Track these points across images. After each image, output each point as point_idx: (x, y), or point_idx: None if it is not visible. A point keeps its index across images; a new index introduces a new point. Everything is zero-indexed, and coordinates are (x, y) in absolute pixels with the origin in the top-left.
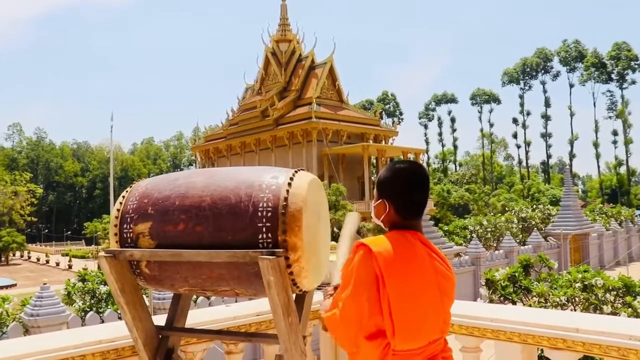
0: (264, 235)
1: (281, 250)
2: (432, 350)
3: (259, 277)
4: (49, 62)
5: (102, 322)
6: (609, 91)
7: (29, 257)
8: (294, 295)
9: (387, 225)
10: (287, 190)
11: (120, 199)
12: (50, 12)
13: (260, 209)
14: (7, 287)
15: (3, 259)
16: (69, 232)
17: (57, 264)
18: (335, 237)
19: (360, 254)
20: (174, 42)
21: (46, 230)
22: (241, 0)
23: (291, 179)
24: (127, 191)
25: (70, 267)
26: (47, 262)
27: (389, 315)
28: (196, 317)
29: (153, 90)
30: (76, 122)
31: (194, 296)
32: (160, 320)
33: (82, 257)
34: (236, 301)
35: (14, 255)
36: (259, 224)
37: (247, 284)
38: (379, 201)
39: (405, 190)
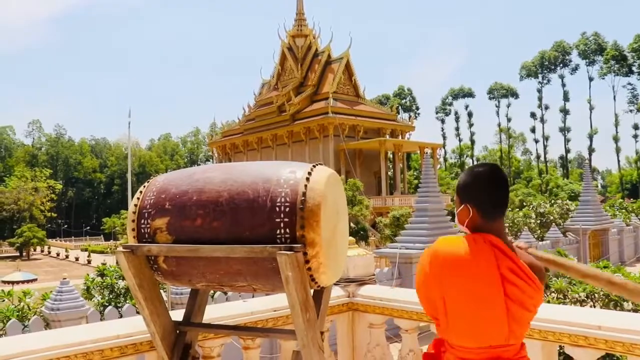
0: (282, 231)
1: (299, 245)
2: (495, 354)
3: (277, 272)
4: (67, 60)
5: (121, 316)
6: (629, 84)
7: (49, 252)
8: (312, 291)
9: (471, 229)
10: (306, 185)
11: (137, 194)
12: (69, 10)
13: (278, 204)
14: (28, 281)
15: (24, 253)
16: (88, 228)
17: (77, 259)
18: (352, 233)
19: (428, 252)
20: (190, 38)
21: (65, 226)
22: None
23: (309, 173)
24: (144, 186)
25: (89, 262)
26: (67, 257)
27: (444, 311)
28: (213, 312)
29: (170, 87)
30: (94, 119)
31: (211, 291)
32: (177, 315)
33: (101, 252)
34: (253, 296)
35: (34, 250)
36: (277, 219)
37: (264, 279)
38: (461, 207)
39: (486, 194)
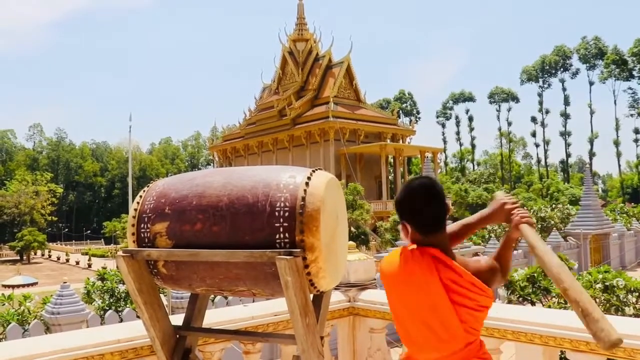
0: (282, 235)
1: (299, 250)
2: (459, 357)
3: (276, 277)
4: (68, 64)
5: (121, 320)
6: (630, 88)
7: (50, 256)
8: (311, 296)
9: (415, 244)
10: (305, 190)
11: (137, 198)
12: (70, 14)
13: (277, 208)
14: (28, 285)
15: (25, 257)
16: (89, 232)
17: (77, 263)
18: (352, 237)
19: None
20: (191, 42)
21: (66, 230)
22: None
23: (309, 178)
24: (144, 191)
25: (89, 266)
26: (67, 260)
27: (398, 324)
28: (214, 317)
29: (171, 91)
30: (95, 123)
31: (212, 296)
32: (178, 319)
33: (102, 256)
34: (253, 301)
35: (35, 254)
36: (276, 224)
37: (264, 284)
38: (399, 225)
39: (419, 210)
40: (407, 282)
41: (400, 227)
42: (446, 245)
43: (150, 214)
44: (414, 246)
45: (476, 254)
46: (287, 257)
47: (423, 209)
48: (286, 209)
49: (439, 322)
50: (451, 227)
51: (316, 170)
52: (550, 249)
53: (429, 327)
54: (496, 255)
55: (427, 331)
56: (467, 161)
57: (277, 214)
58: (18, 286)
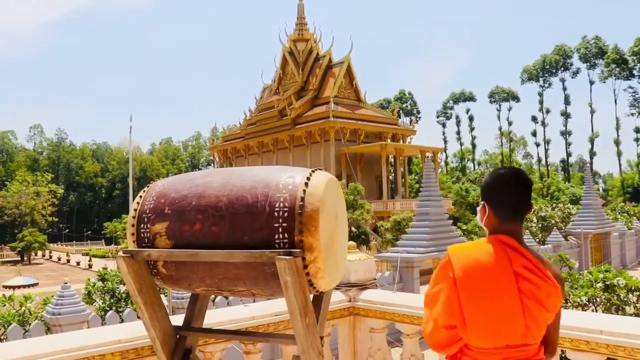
0: (281, 236)
1: (298, 250)
2: (511, 355)
3: (276, 277)
4: (68, 64)
5: (122, 321)
6: (630, 87)
7: (51, 257)
8: (311, 296)
9: (489, 229)
10: (304, 190)
11: (137, 199)
12: (70, 14)
13: (276, 209)
14: (29, 286)
15: (25, 258)
16: (89, 232)
17: (78, 264)
18: (353, 237)
19: (443, 260)
20: (191, 42)
21: (67, 230)
22: (259, 0)
23: (308, 178)
24: (144, 191)
25: (90, 266)
26: (68, 261)
27: (460, 313)
28: (214, 317)
29: (171, 91)
30: (96, 124)
31: (212, 296)
32: (179, 320)
33: (102, 256)
34: (254, 301)
35: (35, 254)
36: (276, 224)
37: (263, 284)
38: (480, 205)
39: (504, 196)
40: (483, 269)
41: (479, 208)
42: (520, 235)
43: (150, 214)
44: (484, 239)
45: None
46: (287, 257)
47: (511, 195)
48: (285, 209)
49: (504, 309)
50: None
51: (315, 170)
52: None
53: (491, 313)
54: None
55: (488, 318)
56: (467, 161)
57: (276, 214)
58: (19, 287)
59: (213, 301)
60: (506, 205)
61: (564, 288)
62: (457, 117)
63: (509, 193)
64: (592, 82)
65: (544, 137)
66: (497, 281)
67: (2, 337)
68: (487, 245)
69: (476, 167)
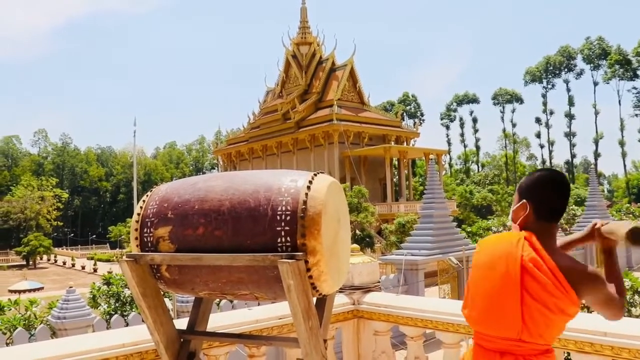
0: (283, 239)
1: (301, 254)
2: (506, 347)
3: (279, 281)
4: (72, 69)
5: (127, 325)
6: (634, 88)
7: (56, 261)
8: (314, 299)
9: (521, 226)
10: (306, 194)
11: (140, 203)
12: (72, 20)
13: (279, 212)
14: (34, 290)
15: (31, 262)
16: (94, 236)
17: (83, 268)
18: (357, 240)
19: None
20: (195, 46)
21: (72, 234)
22: (262, 4)
23: (310, 182)
24: (147, 195)
25: (95, 270)
26: (73, 265)
27: (469, 296)
28: (218, 320)
29: (175, 95)
30: (100, 128)
31: (217, 299)
32: (183, 323)
33: (107, 260)
34: (259, 304)
35: (41, 259)
36: (278, 228)
37: (266, 287)
38: (520, 203)
39: (547, 196)
40: (489, 258)
41: (514, 208)
42: (551, 236)
43: (153, 219)
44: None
45: None
46: (290, 260)
47: (553, 196)
48: (288, 212)
49: (503, 300)
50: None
51: (318, 173)
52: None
53: (490, 301)
54: (607, 274)
55: (482, 305)
56: (471, 163)
57: (278, 217)
58: (24, 291)
59: (218, 304)
60: (549, 207)
61: (597, 284)
62: (460, 119)
63: (553, 195)
64: (596, 83)
65: (548, 138)
66: (502, 272)
67: (8, 341)
68: (510, 237)
69: (480, 169)
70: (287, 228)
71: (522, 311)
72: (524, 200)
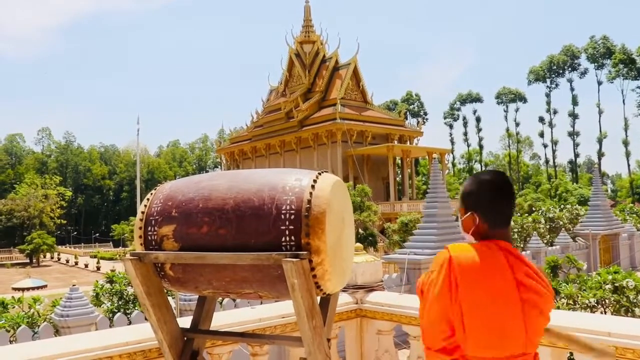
0: (287, 238)
1: (305, 253)
2: None
3: (283, 280)
4: (76, 68)
5: (130, 323)
6: (638, 88)
7: (59, 259)
8: (318, 298)
9: (477, 237)
10: (311, 193)
11: (144, 201)
12: (77, 19)
13: (283, 211)
14: (38, 288)
15: (34, 260)
16: (97, 234)
17: (86, 266)
18: (360, 239)
19: (443, 261)
20: (198, 45)
21: (75, 233)
22: (266, 2)
23: (314, 181)
24: (151, 194)
25: (98, 268)
26: (76, 263)
27: (461, 320)
28: (222, 319)
29: (178, 94)
30: (103, 126)
31: (220, 298)
32: (186, 322)
33: (110, 258)
34: (261, 303)
35: (44, 257)
36: (282, 227)
37: (270, 286)
38: (467, 215)
39: (492, 202)
40: (487, 276)
41: (462, 217)
42: (511, 239)
43: (157, 217)
44: (473, 241)
45: None
46: (294, 259)
47: (498, 200)
48: (292, 211)
49: (507, 319)
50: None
51: (322, 172)
52: None
53: (494, 323)
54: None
55: (490, 327)
56: (475, 162)
57: (283, 216)
58: (28, 289)
59: (220, 303)
60: (500, 212)
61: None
62: (464, 118)
63: (497, 199)
64: (599, 83)
65: (552, 137)
66: (500, 290)
67: (11, 339)
68: (487, 251)
69: (483, 168)
70: (291, 227)
71: (526, 325)
72: (471, 213)
